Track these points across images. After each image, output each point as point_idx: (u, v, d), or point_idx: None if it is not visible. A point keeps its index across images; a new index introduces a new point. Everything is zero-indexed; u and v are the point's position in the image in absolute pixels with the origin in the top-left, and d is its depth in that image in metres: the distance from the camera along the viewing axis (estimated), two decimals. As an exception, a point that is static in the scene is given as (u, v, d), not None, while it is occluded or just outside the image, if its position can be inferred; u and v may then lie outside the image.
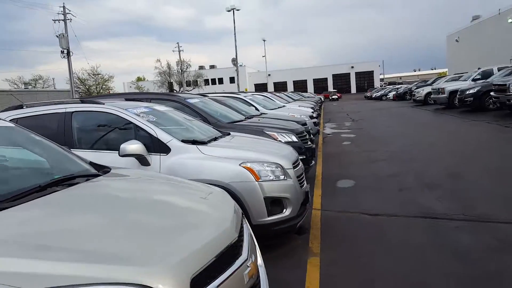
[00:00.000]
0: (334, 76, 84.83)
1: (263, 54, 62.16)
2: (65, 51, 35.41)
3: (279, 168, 3.97)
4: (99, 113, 4.23)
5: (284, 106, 14.33)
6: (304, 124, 8.94)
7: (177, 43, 57.99)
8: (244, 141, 4.85)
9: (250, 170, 3.77)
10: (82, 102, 4.47)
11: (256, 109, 10.69)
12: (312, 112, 13.95)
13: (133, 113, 4.20)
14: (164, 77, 59.12)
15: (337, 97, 55.97)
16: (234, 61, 77.92)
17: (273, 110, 11.33)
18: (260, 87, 74.17)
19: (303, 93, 37.89)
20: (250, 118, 7.31)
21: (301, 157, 6.25)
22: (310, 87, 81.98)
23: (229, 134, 5.15)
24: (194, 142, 4.07)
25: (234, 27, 38.84)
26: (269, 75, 79.19)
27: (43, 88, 54.40)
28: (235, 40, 39.63)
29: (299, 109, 12.76)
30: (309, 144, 6.85)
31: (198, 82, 62.70)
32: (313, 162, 6.87)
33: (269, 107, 11.75)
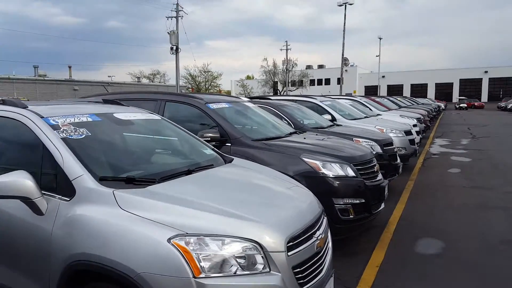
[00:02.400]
0: (462, 81, 74.69)
1: (377, 54, 57.15)
2: (174, 48, 36.94)
3: (255, 251, 2.06)
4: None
5: (378, 115, 11.76)
6: (387, 144, 6.59)
7: (286, 41, 56.90)
8: (235, 178, 2.98)
9: (185, 252, 1.94)
10: None
11: (333, 118, 8.54)
12: (415, 125, 11.16)
13: (51, 123, 2.67)
14: (268, 76, 58.77)
15: (465, 106, 48.10)
16: (345, 60, 74.44)
17: (356, 121, 9.01)
18: (372, 90, 69.12)
19: (418, 99, 33.36)
20: (297, 134, 5.32)
21: (358, 201, 4.15)
22: (431, 92, 73.62)
23: (231, 160, 3.36)
24: (123, 180, 2.38)
25: (344, 22, 35.95)
26: (383, 76, 73.01)
27: (159, 82, 58.73)
28: (343, 37, 36.74)
29: (395, 121, 10.14)
30: (377, 181, 4.60)
31: (303, 82, 60.92)
32: (382, 206, 4.62)
33: (352, 116, 9.43)
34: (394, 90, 69.64)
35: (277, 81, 59.19)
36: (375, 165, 4.74)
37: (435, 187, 7.02)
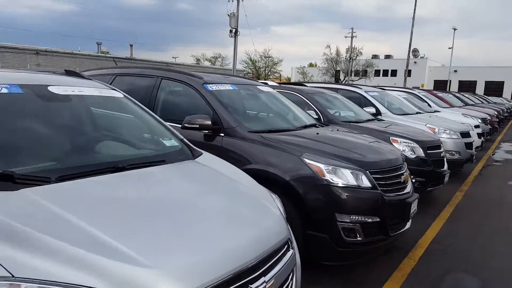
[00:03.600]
0: (547, 80, 66.72)
1: (450, 46, 52.60)
2: (233, 31, 36.71)
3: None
4: None
5: (435, 112, 10.37)
6: (433, 147, 5.54)
7: (351, 28, 54.26)
8: (169, 185, 2.25)
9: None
10: None
11: (377, 111, 7.50)
12: (477, 127, 9.68)
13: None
14: (330, 64, 56.49)
15: None
16: (414, 52, 69.65)
17: (405, 116, 7.83)
18: (441, 85, 64.13)
19: (491, 98, 30.10)
20: (316, 127, 4.45)
21: (370, 219, 3.28)
22: (508, 91, 66.62)
23: (199, 155, 2.69)
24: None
25: (414, 9, 33.20)
26: (455, 71, 67.23)
27: (220, 66, 59.12)
28: (412, 25, 33.92)
29: (452, 120, 8.78)
30: (402, 194, 3.64)
31: (367, 72, 57.86)
32: (407, 226, 3.69)
33: (402, 111, 8.24)
34: (466, 87, 63.86)
35: (339, 70, 56.78)
36: (402, 173, 3.78)
37: (488, 203, 5.81)
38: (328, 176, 3.22)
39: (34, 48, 29.52)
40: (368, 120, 6.28)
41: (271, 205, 2.24)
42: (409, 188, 3.83)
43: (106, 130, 2.80)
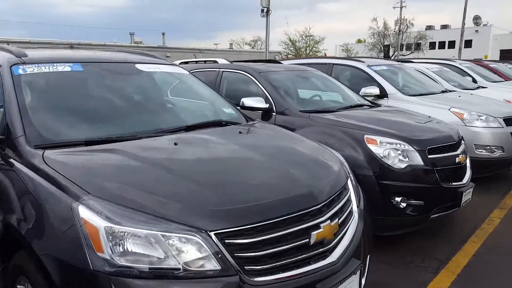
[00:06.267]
0: None
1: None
2: (265, 10, 34.69)
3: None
4: None
5: (478, 88, 8.01)
6: (442, 148, 3.54)
7: (401, -3, 49.50)
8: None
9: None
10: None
11: (382, 91, 5.54)
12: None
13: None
14: (377, 39, 52.26)
15: None
16: (476, 19, 62.55)
17: (423, 97, 5.69)
18: (509, 55, 57.12)
19: None
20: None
21: None
22: None
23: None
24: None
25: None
26: (526, 38, 59.85)
27: (260, 48, 57.20)
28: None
29: (495, 101, 6.46)
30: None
31: (420, 45, 52.88)
32: None
33: (420, 91, 6.09)
34: (539, 55, 56.41)
35: (388, 45, 52.38)
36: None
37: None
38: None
39: (69, 42, 29.70)
40: (353, 107, 4.37)
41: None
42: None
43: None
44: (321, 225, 1.78)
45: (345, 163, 2.53)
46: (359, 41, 79.56)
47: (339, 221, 1.93)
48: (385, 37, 52.37)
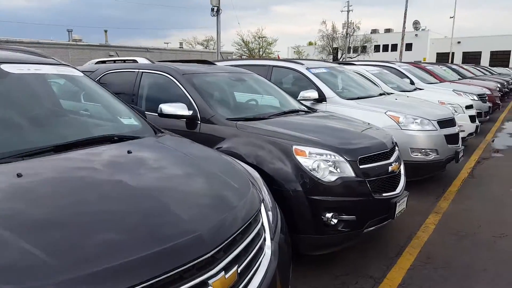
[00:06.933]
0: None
1: (452, 15, 49.09)
2: (215, 9, 34.16)
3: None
4: None
5: (415, 90, 8.15)
6: (375, 157, 3.35)
7: (347, 1, 50.92)
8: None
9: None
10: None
11: (321, 95, 5.34)
12: (469, 107, 7.43)
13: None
14: (326, 41, 53.40)
15: None
16: (415, 24, 66.01)
17: (362, 100, 5.60)
18: (445, 57, 60.73)
19: (495, 68, 27.45)
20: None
21: None
22: (517, 60, 62.98)
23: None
24: None
25: (409, -23, 30.20)
26: (458, 42, 63.64)
27: (213, 48, 56.48)
28: (407, -5, 31.05)
29: (430, 103, 6.54)
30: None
31: (366, 48, 54.75)
32: None
33: (359, 94, 6.01)
34: (471, 58, 60.35)
35: (336, 47, 53.63)
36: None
37: (478, 240, 3.65)
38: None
39: (-7, 39, 27.34)
40: (287, 113, 4.09)
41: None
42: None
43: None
44: (210, 281, 1.37)
45: (259, 183, 2.18)
46: (310, 43, 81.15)
47: (240, 268, 1.53)
48: (333, 40, 53.63)
